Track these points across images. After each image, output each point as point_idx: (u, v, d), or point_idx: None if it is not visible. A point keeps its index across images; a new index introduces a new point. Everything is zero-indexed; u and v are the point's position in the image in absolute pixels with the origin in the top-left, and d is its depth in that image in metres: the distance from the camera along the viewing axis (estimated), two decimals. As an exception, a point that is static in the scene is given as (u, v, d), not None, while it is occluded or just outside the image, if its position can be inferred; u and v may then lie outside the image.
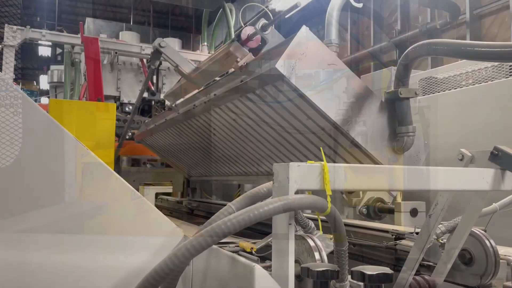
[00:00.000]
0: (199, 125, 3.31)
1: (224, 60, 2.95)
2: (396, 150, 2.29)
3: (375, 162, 2.28)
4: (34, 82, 24.96)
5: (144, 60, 7.55)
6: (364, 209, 3.58)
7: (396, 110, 2.17)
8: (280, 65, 1.93)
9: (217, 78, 3.25)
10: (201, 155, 4.03)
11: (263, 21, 2.95)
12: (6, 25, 6.33)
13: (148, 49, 7.13)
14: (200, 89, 3.42)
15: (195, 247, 1.07)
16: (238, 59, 2.71)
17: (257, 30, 2.81)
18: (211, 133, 3.27)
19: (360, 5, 7.41)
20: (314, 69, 1.99)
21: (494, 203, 2.06)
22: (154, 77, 7.67)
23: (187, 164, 4.81)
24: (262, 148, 2.84)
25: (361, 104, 2.10)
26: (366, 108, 2.11)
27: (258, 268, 1.07)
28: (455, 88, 3.80)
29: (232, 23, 6.51)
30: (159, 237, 1.45)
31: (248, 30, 2.87)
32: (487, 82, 3.59)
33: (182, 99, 3.82)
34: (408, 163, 2.33)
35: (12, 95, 1.34)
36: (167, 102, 4.27)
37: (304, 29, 2.04)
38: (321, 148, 1.77)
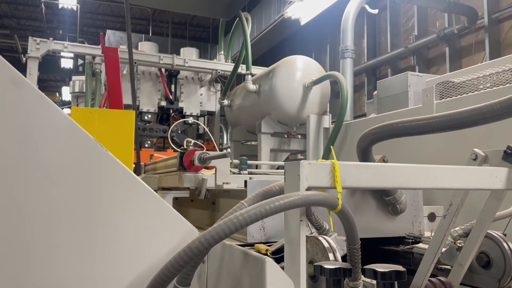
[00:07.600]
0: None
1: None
2: (393, 214, 2.20)
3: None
4: (57, 93, 25.60)
5: (163, 70, 7.69)
6: None
7: None
8: (251, 236, 1.84)
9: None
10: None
11: (204, 154, 2.71)
12: (30, 37, 6.55)
13: (166, 59, 7.25)
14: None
15: (208, 240, 1.10)
16: (198, 192, 2.62)
17: (197, 163, 2.67)
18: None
19: (375, 11, 7.41)
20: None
21: (512, 206, 2.03)
22: (172, 85, 7.78)
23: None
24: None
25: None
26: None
27: (269, 261, 1.09)
28: (472, 92, 3.76)
29: (248, 32, 6.59)
30: (176, 236, 1.48)
31: (188, 157, 2.70)
32: (505, 85, 3.54)
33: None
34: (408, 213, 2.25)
35: (33, 97, 1.41)
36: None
37: (249, 182, 1.92)
38: (331, 146, 1.77)
